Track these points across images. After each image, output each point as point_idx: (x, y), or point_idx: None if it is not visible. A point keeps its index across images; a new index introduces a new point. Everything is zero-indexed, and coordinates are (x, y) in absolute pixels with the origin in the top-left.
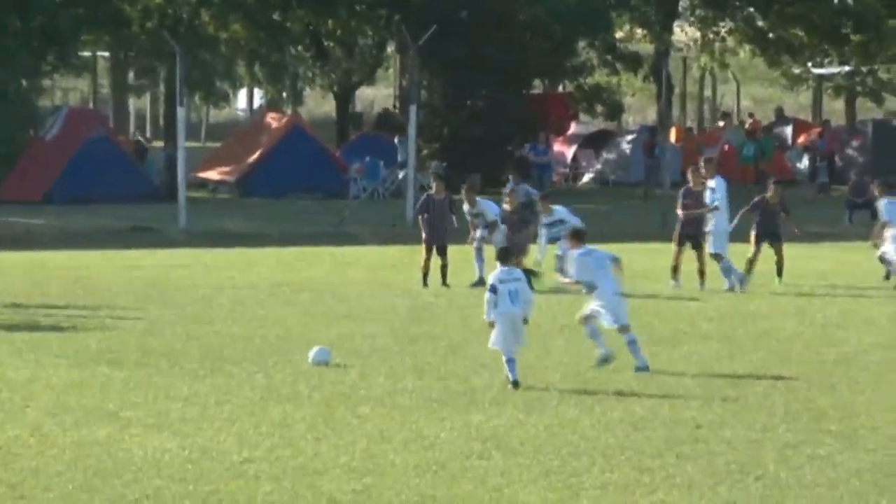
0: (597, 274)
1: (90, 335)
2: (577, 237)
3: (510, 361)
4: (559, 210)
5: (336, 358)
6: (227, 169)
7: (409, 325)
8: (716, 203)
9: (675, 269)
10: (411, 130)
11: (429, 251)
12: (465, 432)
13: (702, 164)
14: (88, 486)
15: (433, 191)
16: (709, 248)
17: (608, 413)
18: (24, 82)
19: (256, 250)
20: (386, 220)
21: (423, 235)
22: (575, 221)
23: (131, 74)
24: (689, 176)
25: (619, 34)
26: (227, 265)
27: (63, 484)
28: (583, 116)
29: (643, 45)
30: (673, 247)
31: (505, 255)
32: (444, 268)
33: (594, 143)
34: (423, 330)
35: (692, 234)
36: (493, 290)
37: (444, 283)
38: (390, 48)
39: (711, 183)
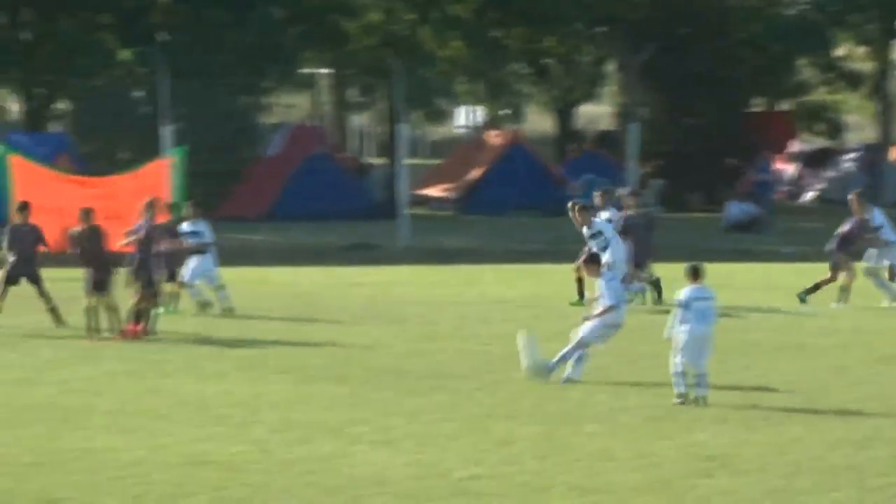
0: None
1: (313, 352)
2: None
3: (680, 374)
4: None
5: (558, 374)
6: (447, 186)
7: (632, 343)
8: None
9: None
10: (631, 148)
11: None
12: (688, 451)
13: None
14: (314, 503)
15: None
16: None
17: (832, 432)
18: (246, 100)
19: (477, 267)
20: None
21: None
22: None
23: (352, 91)
24: None
25: (839, 51)
26: (449, 282)
27: (289, 500)
28: (804, 135)
29: (863, 63)
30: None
31: (695, 273)
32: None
33: (816, 161)
34: (646, 348)
35: None
36: (686, 306)
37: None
38: (610, 65)
39: None
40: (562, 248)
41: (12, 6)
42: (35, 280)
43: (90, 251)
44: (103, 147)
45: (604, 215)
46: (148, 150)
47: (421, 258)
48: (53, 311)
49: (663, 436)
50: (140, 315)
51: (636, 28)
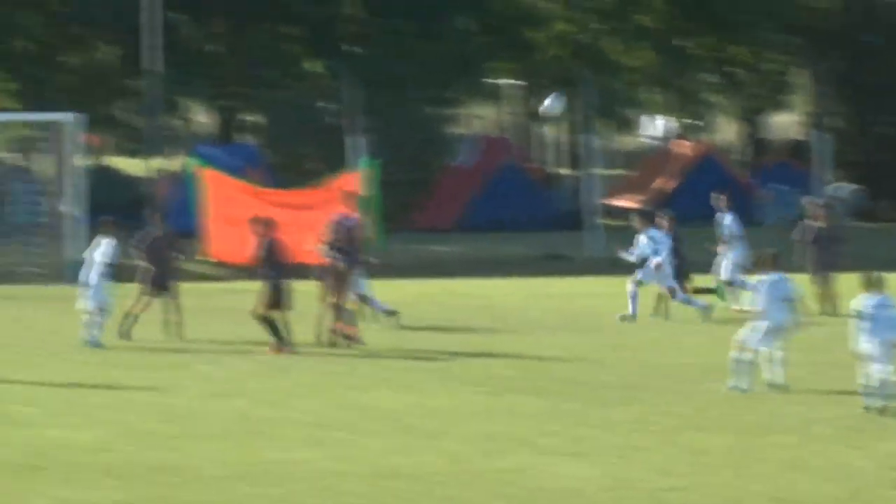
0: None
1: (504, 363)
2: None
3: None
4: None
5: (755, 386)
6: (636, 196)
7: (824, 352)
8: None
9: None
10: (818, 157)
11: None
12: (882, 461)
13: None
14: None
15: (814, 220)
16: None
17: None
18: (434, 111)
19: None
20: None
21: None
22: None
23: (540, 102)
24: None
25: None
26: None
27: None
28: None
29: None
30: None
31: (871, 282)
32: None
33: None
34: (838, 357)
35: None
36: (864, 316)
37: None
38: (798, 74)
39: None
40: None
41: (202, 19)
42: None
43: (268, 262)
44: (292, 158)
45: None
46: (336, 161)
47: (610, 269)
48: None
49: (856, 446)
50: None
51: (825, 36)
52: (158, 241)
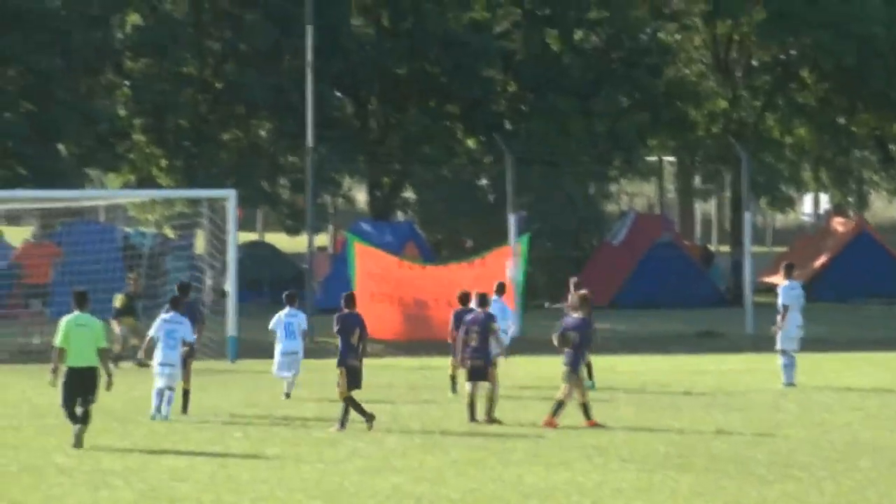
0: None
1: (658, 439)
2: None
3: None
4: None
5: None
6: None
7: None
8: None
9: None
10: None
11: None
12: None
13: None
14: None
15: None
16: None
17: None
18: (591, 188)
19: (822, 355)
20: None
21: None
22: None
23: (697, 179)
24: None
25: None
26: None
27: None
28: None
29: None
30: None
31: None
32: None
33: None
34: None
35: None
36: None
37: None
38: None
39: None
40: None
41: (359, 97)
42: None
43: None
44: (449, 235)
45: None
46: (493, 237)
47: (767, 346)
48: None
49: None
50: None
51: None
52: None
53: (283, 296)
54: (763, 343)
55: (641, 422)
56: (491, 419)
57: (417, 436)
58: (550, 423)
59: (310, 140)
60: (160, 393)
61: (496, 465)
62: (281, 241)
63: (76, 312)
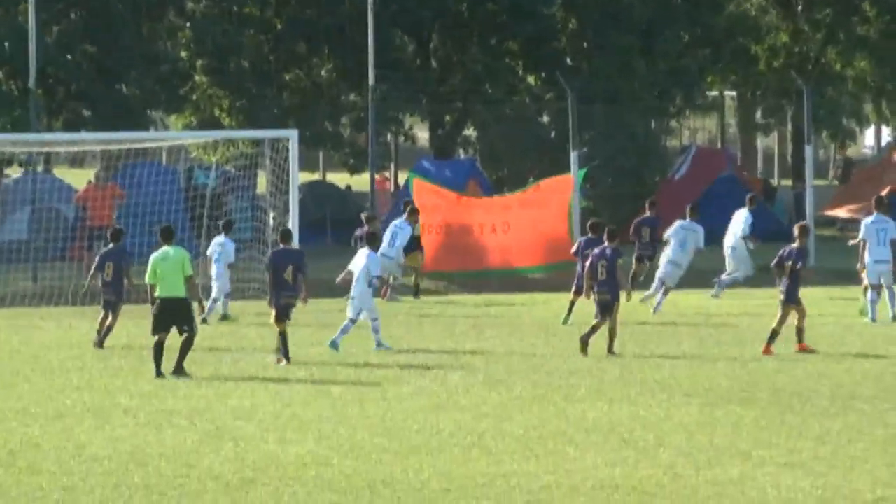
0: None
1: (720, 373)
2: None
3: None
4: None
5: None
6: (855, 207)
7: None
8: None
9: None
10: None
11: None
12: None
13: None
14: None
15: None
16: None
17: None
18: (652, 123)
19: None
20: None
21: None
22: None
23: (758, 113)
24: None
25: None
26: (857, 303)
27: None
28: None
29: None
30: None
31: None
32: None
33: None
34: None
35: None
36: None
37: None
38: None
39: None
40: None
41: (422, 36)
42: None
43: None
44: (511, 173)
45: None
46: (555, 174)
47: (830, 279)
48: None
49: None
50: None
51: None
52: None
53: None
54: (825, 276)
55: (704, 356)
56: (611, 352)
57: (481, 373)
58: (767, 352)
59: (371, 79)
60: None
61: (559, 401)
62: (343, 180)
63: (163, 247)
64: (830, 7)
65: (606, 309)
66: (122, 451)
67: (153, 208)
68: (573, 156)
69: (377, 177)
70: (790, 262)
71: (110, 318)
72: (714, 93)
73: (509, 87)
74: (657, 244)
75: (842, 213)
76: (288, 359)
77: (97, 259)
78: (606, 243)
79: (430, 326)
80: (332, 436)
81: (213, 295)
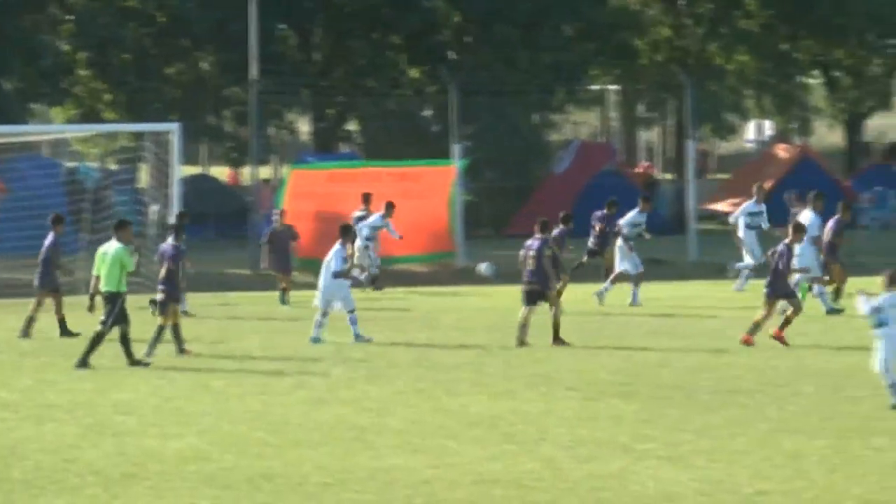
0: None
1: (602, 367)
2: None
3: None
4: None
5: (846, 389)
6: (736, 201)
7: None
8: None
9: None
10: None
11: None
12: None
13: None
14: None
15: None
16: None
17: None
18: (535, 117)
19: (761, 281)
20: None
21: None
22: None
23: (641, 107)
24: None
25: None
26: (737, 296)
27: None
28: None
29: None
30: None
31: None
32: None
33: None
34: None
35: None
36: (879, 310)
37: None
38: None
39: None
40: (853, 260)
41: (303, 29)
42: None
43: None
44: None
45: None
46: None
47: (710, 273)
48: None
49: None
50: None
51: None
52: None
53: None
54: (706, 270)
55: (586, 350)
56: (557, 341)
57: (362, 367)
58: (749, 341)
59: (254, 73)
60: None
61: (441, 395)
62: (224, 174)
63: (111, 241)
64: (712, 1)
65: (532, 299)
66: (2, 445)
67: (34, 202)
68: (455, 149)
69: (229, 171)
70: (777, 257)
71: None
72: (597, 87)
73: (392, 80)
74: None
75: (723, 206)
76: (182, 350)
77: None
78: (538, 235)
79: (310, 320)
80: (212, 430)
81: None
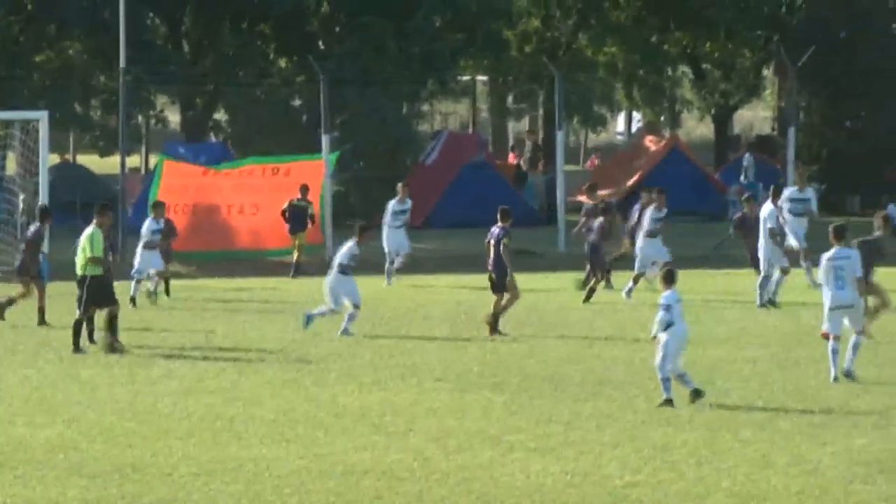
0: None
1: (472, 359)
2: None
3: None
4: None
5: (714, 382)
6: (606, 192)
7: (791, 348)
8: None
9: None
10: (790, 152)
11: None
12: (847, 456)
13: None
14: None
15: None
16: None
17: None
18: (405, 108)
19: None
20: None
21: None
22: None
23: (510, 98)
24: None
25: None
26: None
27: None
28: None
29: None
30: None
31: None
32: None
33: None
34: (805, 353)
35: None
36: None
37: None
38: (768, 70)
39: None
40: (720, 253)
41: (175, 17)
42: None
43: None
44: (262, 156)
45: None
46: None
47: (580, 265)
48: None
49: (821, 442)
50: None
51: (795, 31)
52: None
53: None
54: (575, 261)
55: (456, 341)
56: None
57: (231, 357)
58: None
59: (122, 61)
60: None
61: (310, 386)
62: (93, 162)
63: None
64: None
65: (496, 287)
66: None
67: None
68: (325, 139)
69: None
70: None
71: None
72: (466, 77)
73: (261, 70)
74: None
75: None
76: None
77: None
78: (500, 223)
79: (180, 310)
80: (81, 419)
81: None
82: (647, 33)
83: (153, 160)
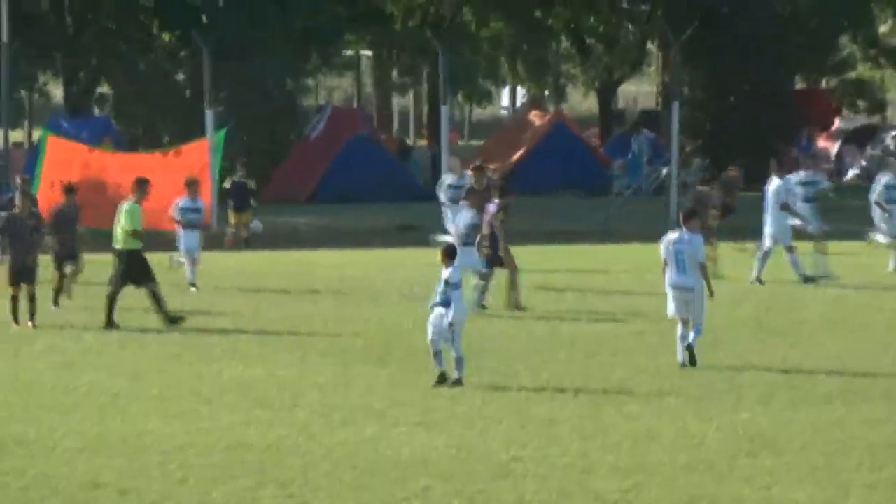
0: None
1: (356, 334)
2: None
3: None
4: None
5: (599, 356)
6: (491, 167)
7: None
8: None
9: None
10: (673, 127)
11: None
12: (732, 431)
13: None
14: (357, 485)
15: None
16: None
17: (874, 411)
18: (288, 81)
19: (521, 248)
20: (649, 218)
21: None
22: None
23: (395, 73)
24: None
25: (882, 28)
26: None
27: (332, 483)
28: (846, 112)
29: None
30: None
31: None
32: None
33: (858, 139)
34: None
35: None
36: None
37: None
38: (652, 44)
39: None
40: (605, 227)
41: None
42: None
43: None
44: (146, 130)
45: None
46: (191, 132)
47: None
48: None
49: (707, 416)
50: None
51: (678, 5)
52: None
53: None
54: None
55: (338, 317)
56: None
57: (115, 332)
58: None
59: (4, 35)
60: None
61: (195, 361)
62: None
63: None
64: None
65: (490, 262)
66: None
67: None
68: (209, 114)
69: None
70: None
71: None
72: (350, 52)
73: (144, 43)
74: None
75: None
76: None
77: None
78: (495, 199)
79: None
80: None
81: None
82: (531, 7)
83: (37, 134)
